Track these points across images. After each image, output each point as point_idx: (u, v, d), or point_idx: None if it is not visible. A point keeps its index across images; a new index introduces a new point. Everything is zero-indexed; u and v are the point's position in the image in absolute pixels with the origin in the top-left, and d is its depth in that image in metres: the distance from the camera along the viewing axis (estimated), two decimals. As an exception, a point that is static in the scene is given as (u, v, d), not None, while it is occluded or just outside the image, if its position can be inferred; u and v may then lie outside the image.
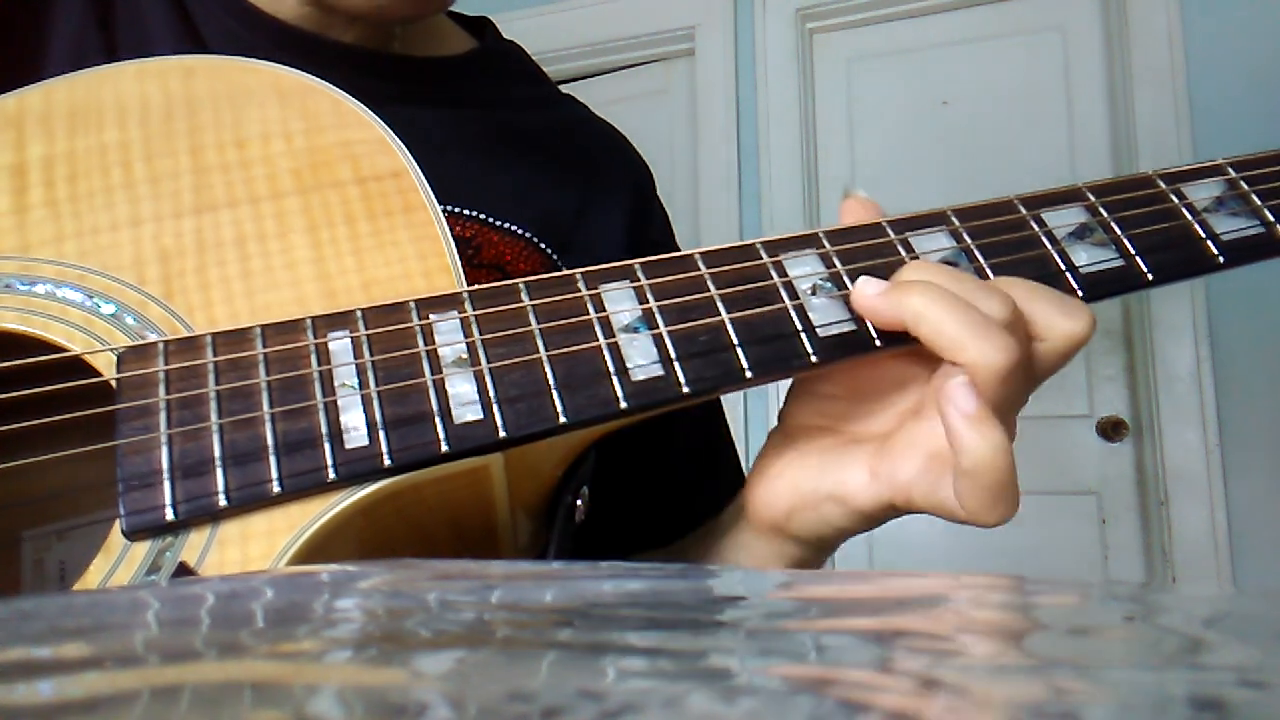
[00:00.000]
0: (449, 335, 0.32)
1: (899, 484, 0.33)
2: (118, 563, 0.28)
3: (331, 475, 0.29)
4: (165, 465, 0.29)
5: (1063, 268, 0.34)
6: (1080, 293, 0.34)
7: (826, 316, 0.33)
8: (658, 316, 0.33)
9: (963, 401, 0.30)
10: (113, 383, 0.31)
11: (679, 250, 0.35)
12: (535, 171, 0.53)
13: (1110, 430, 1.90)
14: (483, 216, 0.48)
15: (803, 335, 0.33)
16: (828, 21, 2.20)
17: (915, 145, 2.11)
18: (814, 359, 0.32)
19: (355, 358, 0.31)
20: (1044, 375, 0.33)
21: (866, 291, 0.32)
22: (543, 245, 0.50)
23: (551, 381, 0.31)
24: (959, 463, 0.30)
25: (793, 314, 0.33)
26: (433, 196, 0.36)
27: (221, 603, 0.18)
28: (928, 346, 0.31)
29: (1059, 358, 0.32)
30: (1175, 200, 0.36)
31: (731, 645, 0.15)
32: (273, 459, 0.29)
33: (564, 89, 0.62)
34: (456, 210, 0.48)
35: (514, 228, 0.49)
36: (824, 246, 0.35)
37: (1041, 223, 0.35)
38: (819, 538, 0.36)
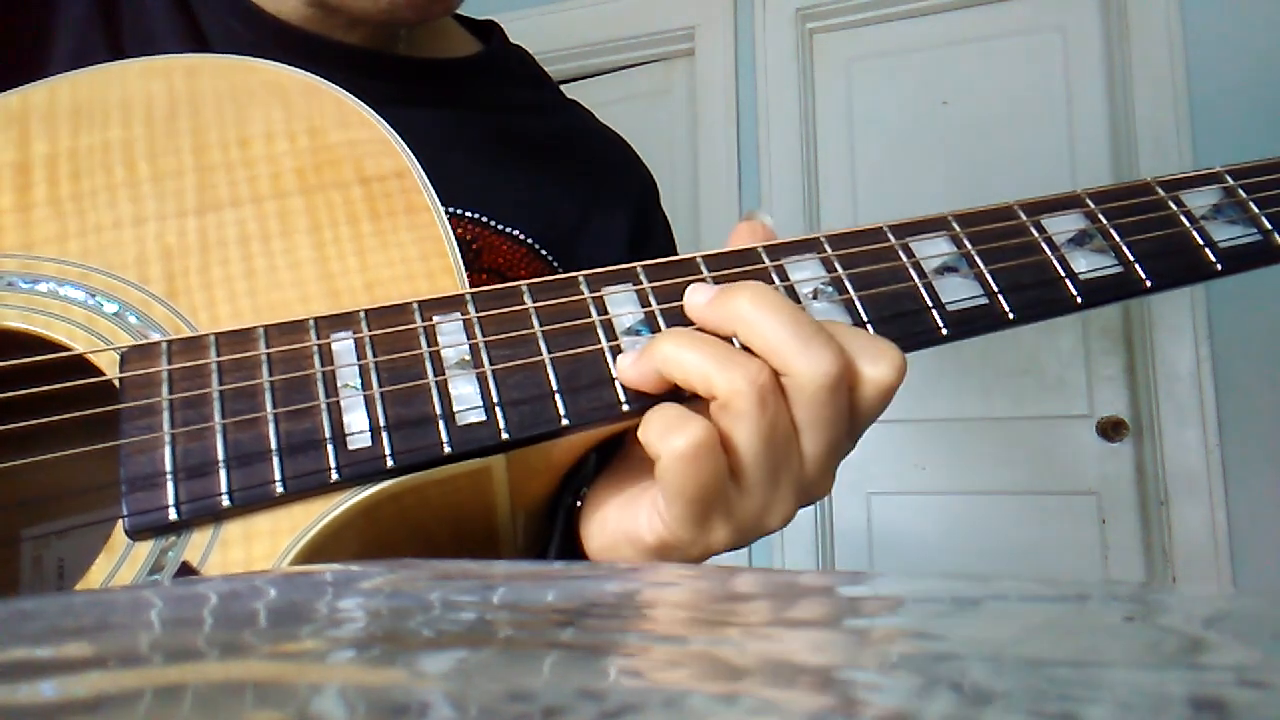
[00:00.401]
0: (452, 337, 0.32)
1: (667, 521, 0.31)
2: (120, 562, 0.28)
3: (334, 476, 0.29)
4: (168, 465, 0.29)
5: (1062, 274, 0.34)
6: (1079, 299, 0.34)
7: (828, 319, 0.33)
8: (660, 319, 0.33)
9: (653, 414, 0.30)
10: (116, 382, 0.31)
11: None
12: (539, 177, 0.53)
13: (1110, 430, 1.90)
14: (484, 219, 0.48)
15: None
16: (828, 21, 2.20)
17: (915, 145, 2.11)
18: None
19: (358, 359, 0.31)
20: (815, 421, 0.30)
21: (623, 366, 0.31)
22: (544, 251, 0.50)
23: (554, 384, 0.31)
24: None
25: None
26: (435, 197, 0.36)
27: (224, 602, 0.18)
28: (686, 389, 0.30)
29: (813, 397, 0.30)
30: (1174, 208, 0.36)
31: (732, 645, 0.15)
32: (276, 459, 0.29)
33: (564, 89, 0.62)
34: (458, 212, 0.48)
35: (515, 232, 0.49)
36: (825, 251, 0.35)
37: (1041, 229, 0.36)
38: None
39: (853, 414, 0.31)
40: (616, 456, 0.36)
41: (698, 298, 0.32)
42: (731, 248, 0.35)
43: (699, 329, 0.32)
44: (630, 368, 0.31)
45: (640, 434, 0.30)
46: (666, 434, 0.29)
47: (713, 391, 0.29)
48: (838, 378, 0.29)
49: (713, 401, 0.30)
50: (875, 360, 0.30)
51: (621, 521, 0.33)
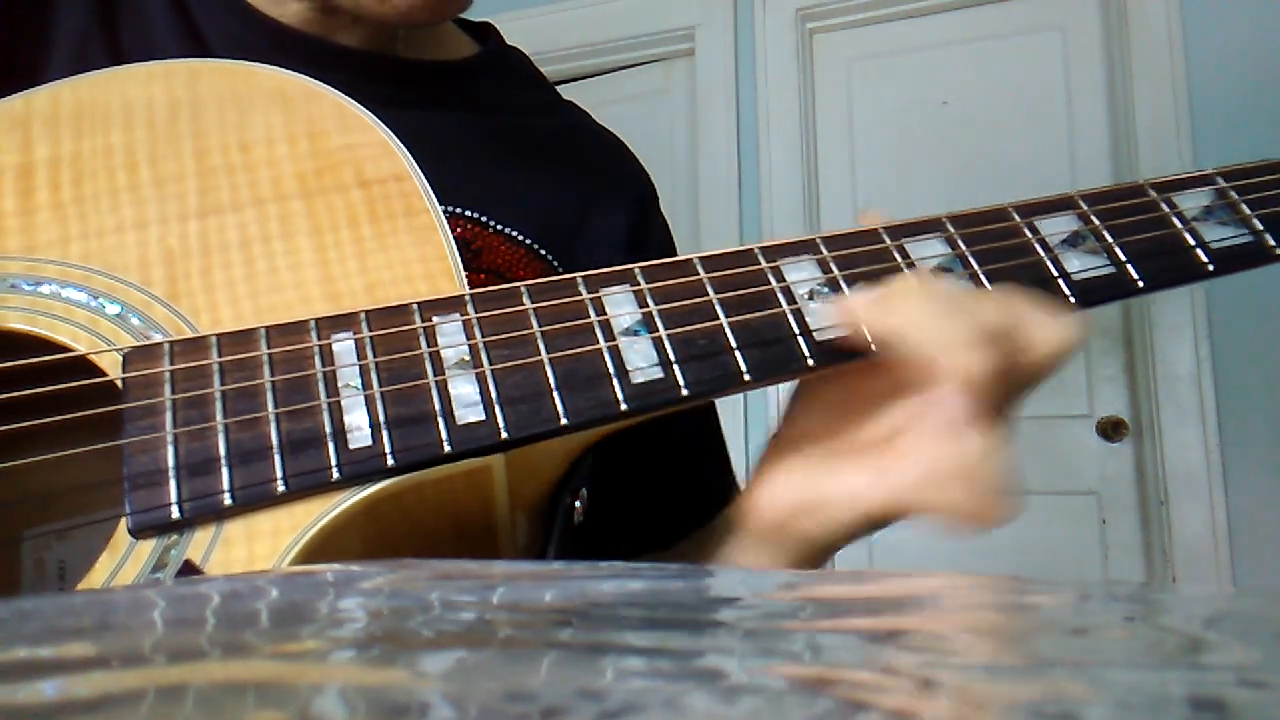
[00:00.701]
0: (451, 337, 0.32)
1: (902, 488, 0.33)
2: (123, 560, 0.29)
3: (335, 475, 0.29)
4: (171, 464, 0.29)
5: (1055, 274, 0.35)
6: (1073, 299, 0.34)
7: (823, 321, 0.33)
8: (657, 320, 0.33)
9: (950, 408, 0.31)
10: (118, 383, 0.31)
11: None
12: (537, 177, 0.53)
13: (1110, 430, 1.90)
14: (483, 218, 0.48)
15: (800, 339, 0.33)
16: (828, 21, 2.20)
17: (915, 145, 2.11)
18: (811, 363, 0.33)
19: (359, 359, 0.31)
20: (1034, 382, 0.33)
21: (856, 302, 0.33)
22: (543, 251, 0.50)
23: (553, 383, 0.31)
24: (952, 467, 0.31)
25: (790, 318, 0.33)
26: (435, 200, 0.36)
27: (226, 602, 0.18)
28: (915, 355, 0.32)
29: (1047, 366, 0.33)
30: (1165, 209, 0.37)
31: (731, 645, 0.15)
32: (277, 458, 0.29)
33: (563, 89, 0.62)
34: (457, 211, 0.48)
35: (514, 232, 0.49)
36: (821, 252, 0.35)
37: (1035, 230, 0.36)
38: (820, 541, 0.36)
39: (1027, 378, 0.33)
40: (774, 444, 0.37)
41: (858, 300, 0.34)
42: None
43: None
44: (862, 307, 0.33)
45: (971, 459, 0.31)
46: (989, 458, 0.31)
47: (944, 366, 0.31)
48: (995, 375, 0.31)
49: (934, 366, 0.31)
50: (1054, 323, 0.33)
51: (827, 485, 0.35)
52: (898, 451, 0.34)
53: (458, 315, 0.32)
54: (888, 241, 0.35)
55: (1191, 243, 0.36)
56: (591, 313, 0.33)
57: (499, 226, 0.49)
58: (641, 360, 0.32)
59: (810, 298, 0.34)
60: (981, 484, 0.31)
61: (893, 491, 0.33)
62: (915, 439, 0.33)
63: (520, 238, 0.49)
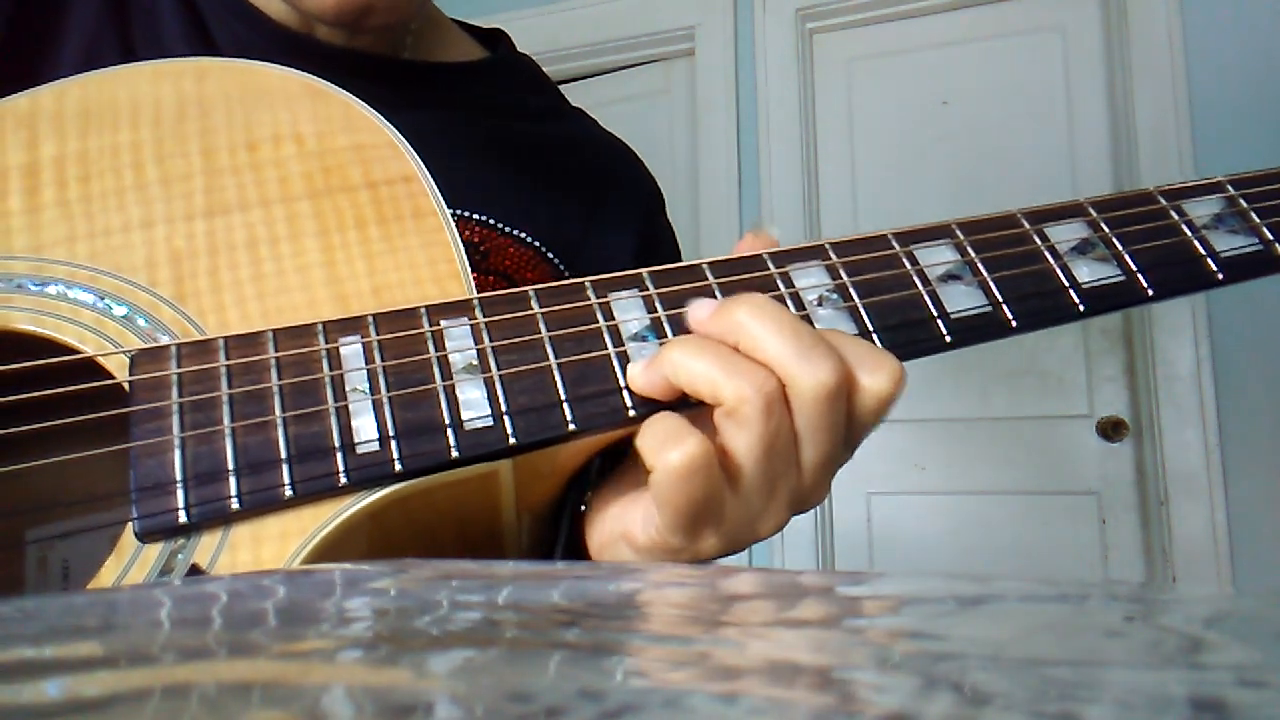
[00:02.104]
0: (460, 341, 0.32)
1: (658, 526, 0.31)
2: (130, 564, 0.29)
3: (343, 480, 0.29)
4: (178, 468, 0.29)
5: (1065, 283, 0.35)
6: (1082, 307, 0.34)
7: (832, 327, 0.33)
8: (666, 325, 0.33)
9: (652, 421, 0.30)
10: (126, 385, 0.31)
11: None
12: (545, 181, 0.53)
13: (1110, 430, 1.90)
14: (491, 221, 0.49)
15: None
16: (828, 22, 2.20)
17: (915, 145, 2.11)
18: None
19: (366, 363, 0.31)
20: (814, 430, 0.30)
21: (633, 374, 0.31)
22: (550, 254, 0.50)
23: (561, 389, 0.31)
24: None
25: None
26: (442, 202, 0.36)
27: (232, 602, 0.18)
28: (693, 396, 0.30)
29: (811, 406, 0.30)
30: (1175, 217, 0.37)
31: (731, 645, 0.15)
32: (285, 463, 0.29)
33: (563, 89, 0.62)
34: (465, 214, 0.48)
35: (522, 235, 0.49)
36: (830, 258, 0.35)
37: (1044, 237, 0.36)
38: None
39: (850, 423, 0.31)
40: (623, 458, 0.36)
41: (699, 313, 0.32)
42: (735, 254, 0.35)
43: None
44: (640, 374, 0.31)
45: (637, 442, 0.30)
46: (662, 447, 0.29)
47: (719, 398, 0.29)
48: (837, 387, 0.29)
49: (718, 409, 0.30)
50: (874, 370, 0.30)
51: (620, 521, 0.33)
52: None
53: (466, 319, 0.32)
54: (897, 248, 0.35)
55: (1201, 251, 0.36)
56: (600, 318, 0.33)
57: (506, 229, 0.49)
58: None
59: (820, 304, 0.34)
60: (661, 497, 0.29)
61: (652, 528, 0.31)
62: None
63: (528, 239, 0.49)
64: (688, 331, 0.32)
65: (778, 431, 0.30)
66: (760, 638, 0.15)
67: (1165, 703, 0.11)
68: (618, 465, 0.36)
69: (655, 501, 0.30)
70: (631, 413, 0.31)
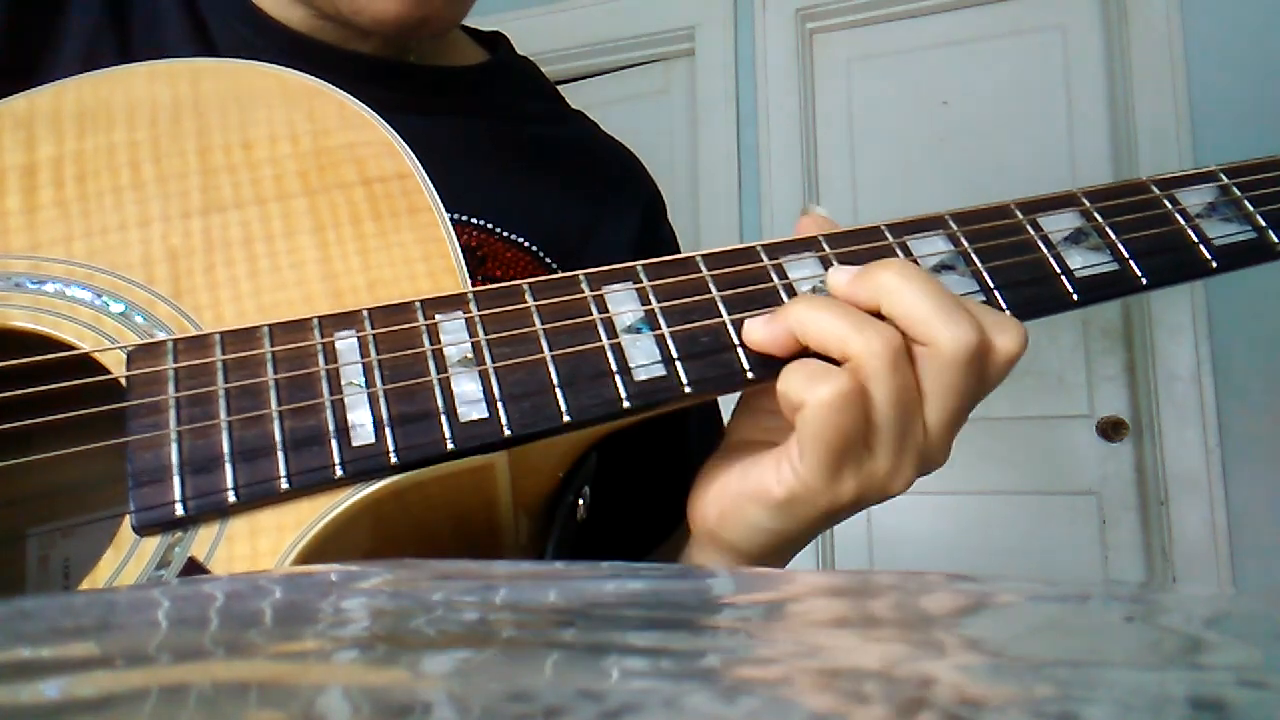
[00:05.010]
0: (454, 335, 0.32)
1: (795, 469, 0.32)
2: (127, 558, 0.29)
3: (339, 472, 0.29)
4: (175, 461, 0.29)
5: (1058, 271, 0.35)
6: (1076, 296, 0.34)
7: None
8: (660, 317, 0.33)
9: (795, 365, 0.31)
10: (123, 380, 0.31)
11: None
12: (544, 185, 0.53)
13: (1110, 430, 1.90)
14: (490, 226, 0.49)
15: None
16: (828, 22, 2.20)
17: (915, 145, 2.11)
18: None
19: (362, 356, 0.31)
20: (945, 389, 0.32)
21: (752, 327, 0.33)
22: (548, 259, 0.50)
23: (555, 381, 0.31)
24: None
25: None
26: (437, 198, 0.36)
27: (229, 602, 0.18)
28: (819, 350, 0.32)
29: (949, 366, 0.31)
30: (1169, 206, 0.37)
31: (732, 645, 0.15)
32: (281, 456, 0.29)
33: (563, 89, 0.62)
34: (464, 218, 0.48)
35: (520, 239, 0.49)
36: (824, 249, 0.35)
37: (1038, 227, 0.36)
38: (750, 542, 0.35)
39: (980, 383, 0.33)
40: (716, 450, 0.37)
41: (840, 276, 0.33)
42: (796, 236, 0.36)
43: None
44: (761, 328, 0.32)
45: (781, 386, 0.31)
46: (812, 382, 0.30)
47: (847, 353, 0.31)
48: (976, 348, 0.31)
49: (845, 364, 0.31)
50: (1004, 332, 0.32)
51: (744, 482, 0.34)
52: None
53: (460, 313, 0.33)
54: (890, 239, 0.35)
55: (1195, 239, 0.36)
56: (594, 310, 0.33)
57: (504, 233, 0.49)
58: (644, 357, 0.32)
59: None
60: (808, 433, 0.30)
61: (792, 475, 0.32)
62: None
63: (526, 244, 0.49)
64: (689, 323, 0.32)
65: (905, 386, 0.31)
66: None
67: (1165, 703, 0.11)
68: (715, 456, 0.37)
69: (803, 441, 0.31)
70: (750, 374, 0.32)
